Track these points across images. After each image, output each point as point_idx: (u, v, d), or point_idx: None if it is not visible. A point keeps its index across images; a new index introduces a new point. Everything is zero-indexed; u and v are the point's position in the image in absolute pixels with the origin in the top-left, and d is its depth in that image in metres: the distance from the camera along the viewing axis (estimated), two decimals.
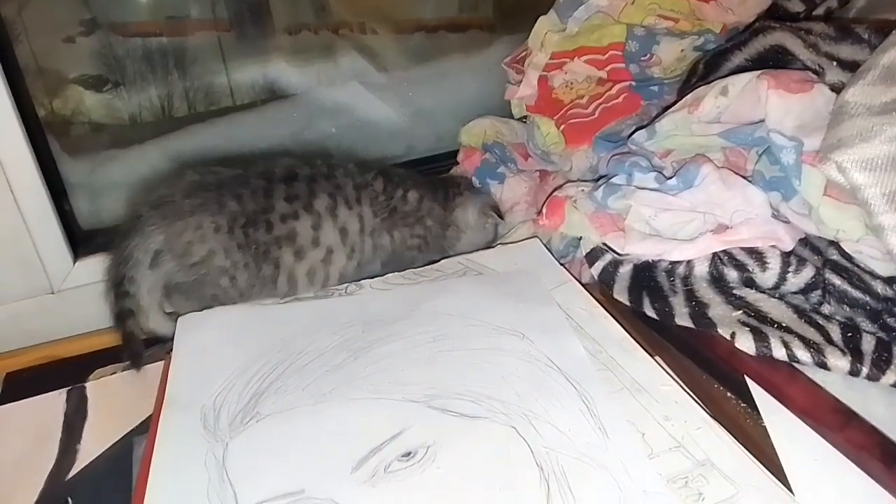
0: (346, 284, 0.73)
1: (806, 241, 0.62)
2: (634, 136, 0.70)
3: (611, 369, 0.58)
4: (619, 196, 0.65)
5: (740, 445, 0.50)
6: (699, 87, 0.74)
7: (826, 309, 0.58)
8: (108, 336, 0.79)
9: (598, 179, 0.75)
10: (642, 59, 0.83)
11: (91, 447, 0.62)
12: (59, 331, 0.81)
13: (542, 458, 0.50)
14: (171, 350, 0.67)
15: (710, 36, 0.83)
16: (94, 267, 0.82)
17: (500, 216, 0.81)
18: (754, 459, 0.49)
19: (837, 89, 0.58)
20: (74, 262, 0.82)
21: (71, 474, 0.59)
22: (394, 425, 0.54)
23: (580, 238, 0.75)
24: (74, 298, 0.82)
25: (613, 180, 0.68)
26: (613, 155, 0.71)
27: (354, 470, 0.51)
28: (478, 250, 0.80)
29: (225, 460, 0.52)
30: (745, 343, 0.54)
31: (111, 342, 0.78)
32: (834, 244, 0.59)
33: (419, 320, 0.67)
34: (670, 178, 0.64)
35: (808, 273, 0.59)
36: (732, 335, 0.55)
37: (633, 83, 0.84)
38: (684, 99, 0.68)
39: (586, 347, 0.61)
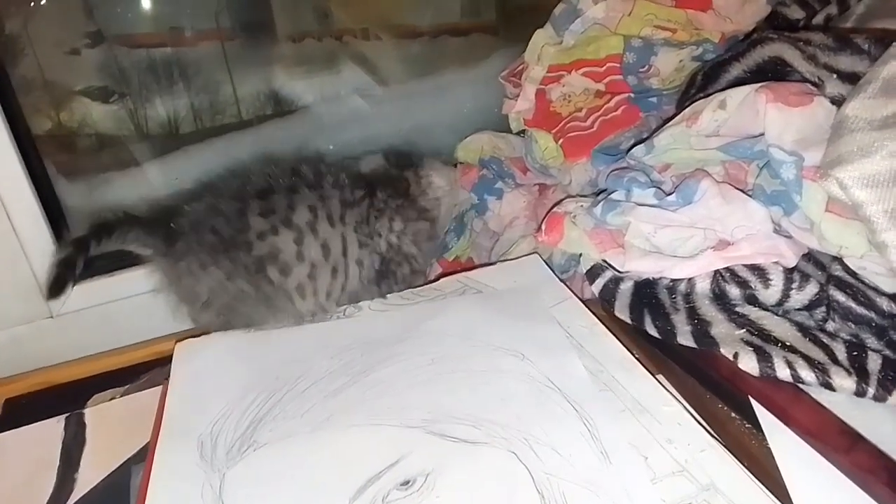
0: (344, 307, 0.72)
1: (809, 257, 0.61)
2: (633, 150, 0.69)
3: (612, 390, 0.58)
4: (618, 212, 0.64)
5: (745, 469, 0.49)
6: (698, 98, 0.74)
7: (830, 326, 0.57)
8: (105, 360, 0.79)
9: (597, 194, 0.75)
10: (640, 70, 0.82)
11: (89, 476, 0.62)
12: (57, 355, 0.81)
13: (542, 485, 0.50)
14: (168, 377, 0.67)
15: (708, 45, 0.82)
16: (93, 291, 0.82)
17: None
18: (759, 484, 0.48)
19: (838, 102, 0.57)
20: (73, 287, 0.81)
21: None
22: (392, 452, 0.54)
23: (581, 254, 0.74)
24: (73, 323, 0.82)
25: (612, 196, 0.67)
26: (612, 170, 0.70)
27: (352, 501, 0.50)
28: None
29: (222, 491, 0.52)
30: (749, 363, 0.53)
31: (109, 366, 0.79)
32: (837, 260, 0.58)
33: (418, 342, 0.66)
34: (669, 193, 0.63)
35: (811, 289, 0.58)
36: (735, 355, 0.54)
37: (632, 95, 0.83)
38: (682, 113, 0.67)
39: (587, 367, 0.60)
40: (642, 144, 0.68)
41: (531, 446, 0.53)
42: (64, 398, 0.74)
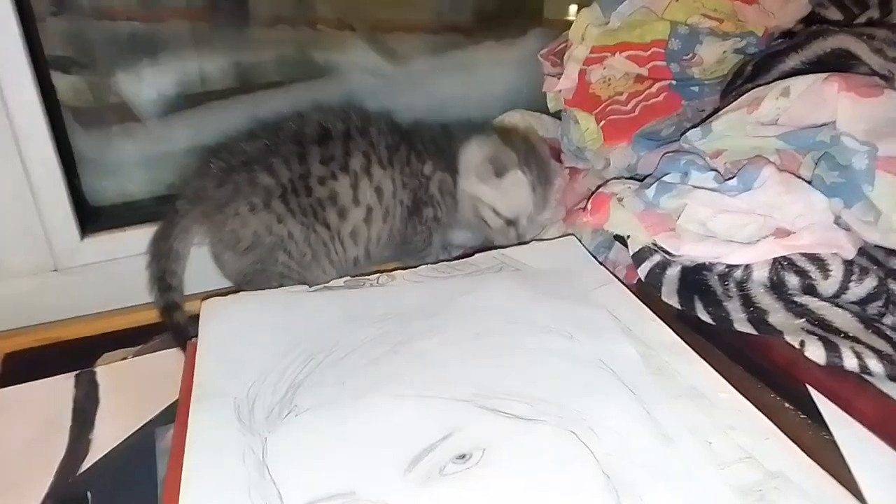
0: (377, 275, 0.69)
1: (862, 251, 0.61)
2: (687, 134, 0.67)
3: (666, 374, 0.56)
4: (672, 195, 0.63)
5: (811, 459, 0.48)
6: (745, 88, 0.73)
7: (888, 320, 0.56)
8: (115, 318, 0.75)
9: (634, 178, 0.73)
10: (684, 58, 0.81)
11: (106, 437, 0.58)
12: (61, 311, 0.76)
13: (606, 466, 0.48)
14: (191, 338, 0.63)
15: (751, 38, 0.82)
16: (103, 245, 0.78)
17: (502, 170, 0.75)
18: (828, 475, 0.47)
19: None
20: (82, 239, 0.77)
21: (85, 466, 0.55)
22: (444, 425, 0.51)
23: (615, 238, 0.73)
24: (80, 277, 0.77)
25: (665, 178, 0.65)
26: (666, 153, 0.68)
27: (407, 471, 0.47)
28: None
29: (265, 456, 0.49)
30: (816, 352, 0.52)
31: (119, 325, 0.74)
32: (894, 253, 0.58)
33: (458, 315, 0.63)
34: (728, 178, 0.62)
35: (870, 282, 0.57)
36: (802, 343, 0.53)
37: (674, 82, 0.82)
38: (740, 99, 0.66)
39: (637, 351, 0.58)
40: (697, 128, 0.67)
41: (590, 426, 0.51)
42: (69, 356, 0.69)
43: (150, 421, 0.59)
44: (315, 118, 0.71)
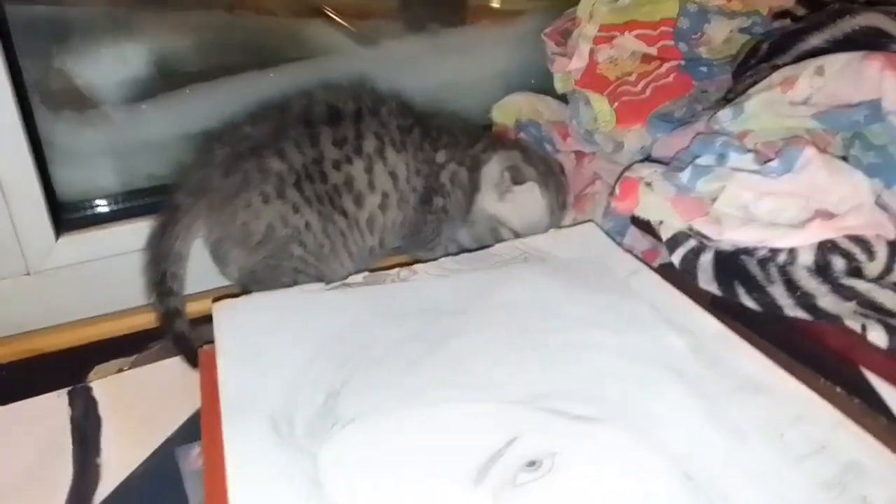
0: (396, 269, 0.65)
1: None
2: (718, 115, 0.65)
3: (719, 365, 0.53)
4: (711, 178, 0.61)
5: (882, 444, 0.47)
6: (762, 68, 0.71)
7: None
8: (100, 325, 0.68)
9: (650, 160, 0.71)
10: (693, 37, 0.79)
11: (117, 460, 0.52)
12: (36, 320, 0.69)
13: (684, 466, 0.45)
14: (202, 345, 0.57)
15: (757, 18, 0.81)
16: (79, 245, 0.70)
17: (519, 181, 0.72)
18: None
19: None
20: (57, 239, 0.69)
21: (100, 494, 0.49)
22: (504, 430, 0.47)
23: (633, 222, 0.70)
24: (55, 281, 0.69)
25: (699, 161, 0.63)
26: (698, 134, 0.66)
27: (477, 483, 0.44)
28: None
29: (318, 475, 0.44)
30: (878, 336, 0.51)
31: (105, 332, 0.68)
32: None
33: (492, 311, 0.60)
34: (768, 160, 0.60)
35: None
36: (863, 328, 0.51)
37: (682, 63, 0.80)
38: (769, 78, 0.64)
39: (686, 343, 0.56)
40: (728, 109, 0.65)
41: (655, 425, 0.48)
42: (53, 370, 0.63)
43: (166, 440, 0.53)
44: (322, 97, 0.66)
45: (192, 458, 0.51)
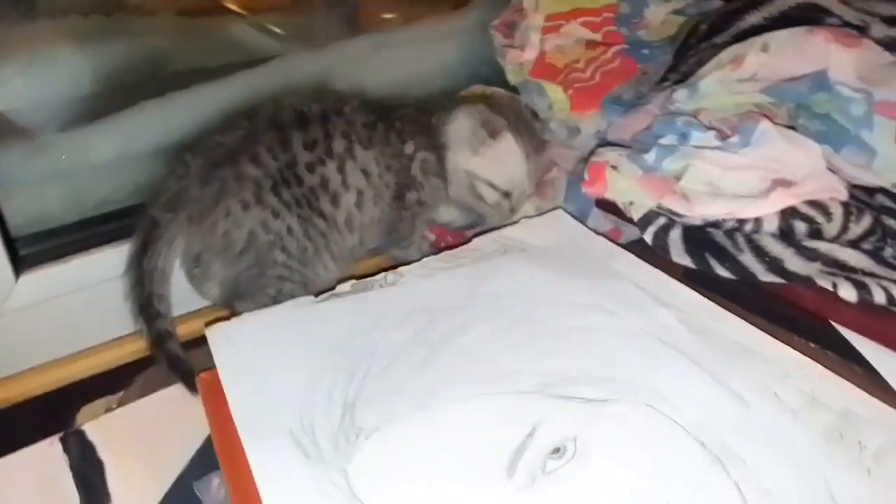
0: (383, 274, 0.65)
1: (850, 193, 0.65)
2: (675, 95, 0.68)
3: (709, 335, 0.57)
4: (676, 157, 0.64)
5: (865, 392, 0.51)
6: (703, 48, 0.75)
7: (888, 253, 0.61)
8: (78, 364, 0.66)
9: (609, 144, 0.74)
10: (633, 21, 0.82)
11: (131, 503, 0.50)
12: (4, 367, 0.64)
13: (698, 435, 0.48)
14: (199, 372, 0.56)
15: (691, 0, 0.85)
16: (42, 281, 0.67)
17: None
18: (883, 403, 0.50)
19: (884, 44, 0.60)
20: (17, 279, 0.65)
21: None
22: (522, 421, 0.49)
23: (597, 205, 0.73)
24: (20, 322, 0.65)
25: (662, 141, 0.66)
26: (657, 116, 0.69)
27: (509, 477, 0.45)
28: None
29: (353, 489, 0.44)
30: (848, 292, 0.55)
31: (82, 371, 0.65)
32: (880, 191, 0.62)
33: (485, 305, 0.61)
34: (727, 136, 0.63)
35: (867, 220, 0.61)
36: (834, 286, 0.55)
37: (626, 47, 0.83)
38: (718, 57, 0.68)
39: (675, 317, 0.59)
40: (684, 89, 0.68)
41: (664, 398, 0.51)
42: (34, 417, 0.60)
43: (180, 476, 0.51)
44: (288, 102, 0.66)
45: (213, 490, 0.50)
